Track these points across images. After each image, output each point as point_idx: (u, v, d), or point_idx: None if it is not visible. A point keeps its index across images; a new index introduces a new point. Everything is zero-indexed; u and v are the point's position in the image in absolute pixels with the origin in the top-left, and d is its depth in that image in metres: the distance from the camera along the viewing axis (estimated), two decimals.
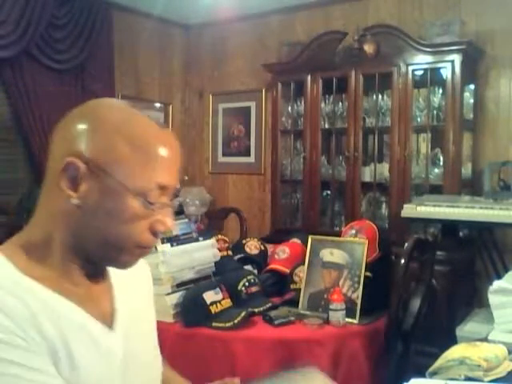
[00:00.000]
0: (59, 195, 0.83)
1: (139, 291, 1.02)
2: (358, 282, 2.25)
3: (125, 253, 0.86)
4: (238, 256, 2.70)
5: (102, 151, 0.82)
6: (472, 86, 3.73)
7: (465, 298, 3.32)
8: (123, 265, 0.89)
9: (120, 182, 0.82)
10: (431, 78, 3.55)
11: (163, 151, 0.84)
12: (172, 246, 2.21)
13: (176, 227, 2.30)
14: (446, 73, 3.51)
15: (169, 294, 2.15)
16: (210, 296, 2.14)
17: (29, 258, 0.84)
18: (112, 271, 0.95)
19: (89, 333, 0.84)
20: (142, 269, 1.04)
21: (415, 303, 2.32)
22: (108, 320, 0.89)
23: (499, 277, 2.33)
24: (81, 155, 0.82)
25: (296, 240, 2.82)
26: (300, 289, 2.37)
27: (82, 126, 0.84)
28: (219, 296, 2.16)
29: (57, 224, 0.85)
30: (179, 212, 2.43)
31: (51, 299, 0.82)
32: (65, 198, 0.82)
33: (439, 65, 3.55)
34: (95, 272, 0.91)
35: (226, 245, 2.68)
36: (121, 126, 0.83)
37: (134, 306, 0.97)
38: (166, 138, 0.87)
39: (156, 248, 2.14)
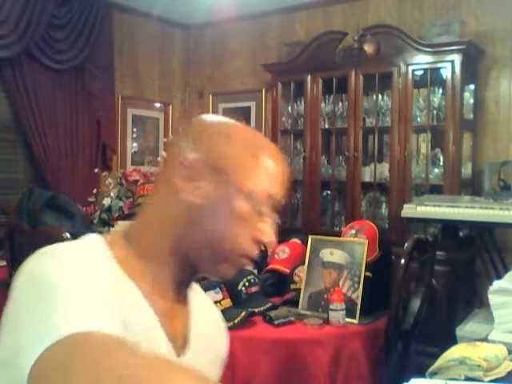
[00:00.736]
0: (171, 194, 0.84)
1: (211, 322, 1.00)
2: (358, 282, 2.25)
3: (226, 259, 0.86)
4: None
5: (217, 154, 0.84)
6: (472, 86, 3.73)
7: (465, 298, 3.32)
8: (222, 273, 0.88)
9: (235, 182, 0.83)
10: (431, 78, 3.55)
11: (275, 162, 0.87)
12: None
13: None
14: (445, 73, 3.51)
15: None
16: (210, 296, 2.13)
17: (130, 254, 0.84)
18: (192, 295, 0.94)
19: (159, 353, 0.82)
20: (215, 309, 1.04)
21: (415, 303, 2.32)
22: (179, 342, 0.88)
23: (499, 277, 2.33)
24: (196, 157, 0.84)
25: (296, 240, 2.82)
26: (300, 289, 2.37)
27: (194, 135, 0.87)
28: (219, 296, 2.16)
29: (166, 224, 0.85)
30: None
31: (139, 307, 0.80)
32: (177, 197, 0.83)
33: (439, 65, 3.55)
34: (185, 286, 0.91)
35: None
36: (234, 133, 0.87)
37: (207, 333, 0.95)
38: (275, 150, 0.90)
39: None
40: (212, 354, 0.98)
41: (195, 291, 0.97)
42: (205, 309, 0.98)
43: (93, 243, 0.84)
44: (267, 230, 0.86)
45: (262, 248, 2.96)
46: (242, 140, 0.86)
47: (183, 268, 0.87)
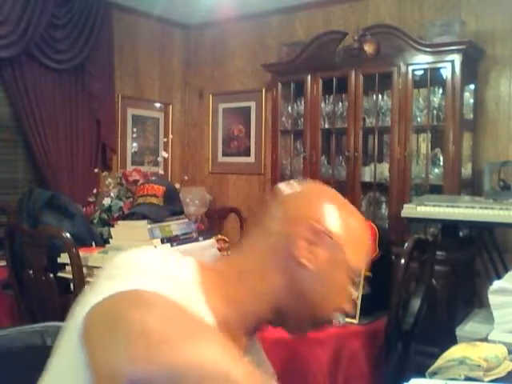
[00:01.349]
0: (284, 248, 0.86)
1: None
2: (358, 282, 2.25)
3: (314, 322, 0.90)
4: None
5: (337, 227, 0.88)
6: (472, 86, 3.73)
7: (465, 298, 3.32)
8: (301, 331, 0.94)
9: (347, 259, 0.88)
10: (431, 78, 3.55)
11: (368, 238, 0.95)
12: (172, 246, 2.21)
13: (176, 227, 2.30)
14: (445, 73, 3.51)
15: None
16: None
17: (219, 290, 0.85)
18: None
19: None
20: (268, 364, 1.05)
21: (415, 303, 2.32)
22: None
23: (499, 277, 2.33)
24: (318, 222, 0.87)
25: None
26: None
27: (317, 203, 0.91)
28: None
29: (270, 277, 0.87)
30: (180, 212, 2.42)
31: None
32: (290, 253, 0.86)
33: (439, 65, 3.55)
34: (252, 334, 0.93)
35: (226, 245, 2.68)
36: (350, 212, 0.93)
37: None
38: (365, 224, 0.97)
39: (156, 248, 2.14)
40: None
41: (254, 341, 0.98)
42: (261, 360, 0.99)
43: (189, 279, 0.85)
44: (350, 304, 0.92)
45: None
46: (349, 214, 0.92)
47: (268, 320, 0.89)
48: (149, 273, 0.77)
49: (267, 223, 0.91)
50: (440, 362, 1.45)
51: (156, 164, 3.90)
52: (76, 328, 0.70)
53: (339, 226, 0.89)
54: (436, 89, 3.60)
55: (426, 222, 3.37)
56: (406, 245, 2.26)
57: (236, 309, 0.85)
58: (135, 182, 3.07)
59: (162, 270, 0.80)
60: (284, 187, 0.94)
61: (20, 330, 1.14)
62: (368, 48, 3.69)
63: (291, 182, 0.97)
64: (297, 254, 0.86)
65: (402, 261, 2.18)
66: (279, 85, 4.22)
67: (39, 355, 1.01)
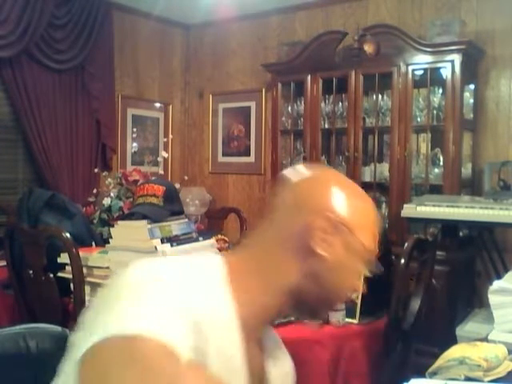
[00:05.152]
0: (302, 239, 0.87)
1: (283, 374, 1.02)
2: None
3: (328, 307, 0.95)
4: None
5: (348, 213, 0.89)
6: (472, 86, 3.73)
7: (465, 298, 3.32)
8: (318, 317, 0.99)
9: (361, 242, 0.89)
10: (431, 78, 3.55)
11: (378, 221, 0.96)
12: (172, 246, 2.21)
13: (176, 227, 2.30)
14: (445, 73, 3.51)
15: None
16: None
17: (242, 281, 0.86)
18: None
19: None
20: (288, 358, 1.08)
21: (415, 303, 2.32)
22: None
23: (499, 277, 2.33)
24: (331, 211, 0.88)
25: None
26: None
27: (327, 190, 0.91)
28: None
29: (289, 268, 0.87)
30: (180, 212, 2.42)
31: (231, 338, 0.81)
32: (308, 246, 0.86)
33: (439, 65, 3.55)
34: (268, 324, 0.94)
35: (226, 245, 2.68)
36: (358, 195, 0.94)
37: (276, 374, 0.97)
38: (373, 205, 0.99)
39: (156, 248, 2.14)
40: None
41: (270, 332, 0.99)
42: (278, 355, 1.01)
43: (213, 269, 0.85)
44: (361, 284, 0.93)
45: None
46: (363, 203, 0.94)
47: (285, 309, 0.90)
48: (165, 298, 0.74)
49: (279, 214, 0.91)
50: (440, 361, 1.45)
51: (156, 164, 3.90)
52: (75, 365, 0.70)
53: (351, 212, 0.90)
54: (436, 89, 3.60)
55: (426, 221, 3.37)
56: (406, 245, 2.26)
57: (259, 303, 0.86)
58: (135, 181, 3.07)
59: (184, 287, 0.78)
60: (292, 174, 0.94)
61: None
62: (368, 48, 3.69)
63: (297, 167, 0.96)
64: (312, 244, 0.86)
65: (402, 261, 2.18)
66: (279, 85, 4.22)
67: (21, 358, 1.00)
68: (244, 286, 0.85)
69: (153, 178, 2.86)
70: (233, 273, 0.85)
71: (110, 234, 2.34)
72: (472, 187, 3.71)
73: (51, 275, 2.29)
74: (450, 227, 3.25)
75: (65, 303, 2.32)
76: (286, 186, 0.92)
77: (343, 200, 0.90)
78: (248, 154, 4.90)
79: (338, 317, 2.12)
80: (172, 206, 2.32)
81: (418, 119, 3.68)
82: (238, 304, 0.82)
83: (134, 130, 4.91)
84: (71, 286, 2.25)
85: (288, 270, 0.87)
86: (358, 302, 2.20)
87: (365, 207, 0.95)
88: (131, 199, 2.91)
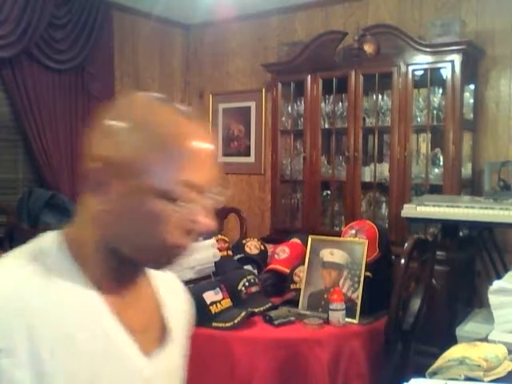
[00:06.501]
0: (90, 199, 0.82)
1: (177, 309, 1.00)
2: (358, 282, 2.25)
3: (160, 253, 0.82)
4: (238, 256, 2.70)
5: (124, 152, 0.78)
6: (472, 86, 3.73)
7: (465, 298, 3.33)
8: (162, 265, 0.86)
9: (143, 182, 0.77)
10: (431, 78, 3.55)
11: (190, 146, 0.79)
12: None
13: None
14: (445, 73, 3.51)
15: None
16: (209, 296, 2.14)
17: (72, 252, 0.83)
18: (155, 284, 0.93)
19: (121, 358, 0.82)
20: (180, 291, 1.04)
21: (415, 303, 2.32)
22: (153, 334, 0.88)
23: (499, 277, 2.34)
24: (104, 158, 0.78)
25: (296, 240, 2.82)
26: (300, 289, 2.37)
27: (104, 128, 0.81)
28: (219, 296, 2.16)
29: (89, 226, 0.83)
30: None
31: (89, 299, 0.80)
32: (93, 202, 0.81)
33: (439, 65, 3.55)
34: (134, 277, 0.88)
35: (226, 245, 2.68)
36: (142, 124, 0.79)
37: (174, 323, 0.95)
38: (193, 131, 0.81)
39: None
40: (178, 346, 0.99)
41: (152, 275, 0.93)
42: (168, 286, 0.97)
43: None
44: (197, 219, 0.81)
45: (262, 248, 2.94)
46: (149, 132, 0.79)
47: (123, 263, 0.83)
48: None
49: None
50: (440, 361, 1.46)
51: None
52: None
53: (129, 148, 0.78)
54: (436, 89, 3.60)
55: (426, 221, 3.37)
56: (406, 245, 2.26)
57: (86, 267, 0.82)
58: None
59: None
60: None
61: None
62: (368, 48, 3.69)
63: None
64: (87, 189, 0.81)
65: (402, 261, 2.18)
66: (279, 85, 4.22)
67: None
68: (73, 236, 0.83)
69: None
70: (67, 235, 0.83)
71: None
72: (472, 187, 3.71)
73: None
74: (450, 227, 3.25)
75: None
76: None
77: (115, 136, 0.79)
78: (248, 154, 4.90)
79: (337, 317, 2.12)
80: None
81: (418, 119, 3.68)
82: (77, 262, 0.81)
83: None
84: None
85: (89, 205, 0.82)
86: (358, 302, 2.21)
87: (158, 136, 0.79)
88: None
